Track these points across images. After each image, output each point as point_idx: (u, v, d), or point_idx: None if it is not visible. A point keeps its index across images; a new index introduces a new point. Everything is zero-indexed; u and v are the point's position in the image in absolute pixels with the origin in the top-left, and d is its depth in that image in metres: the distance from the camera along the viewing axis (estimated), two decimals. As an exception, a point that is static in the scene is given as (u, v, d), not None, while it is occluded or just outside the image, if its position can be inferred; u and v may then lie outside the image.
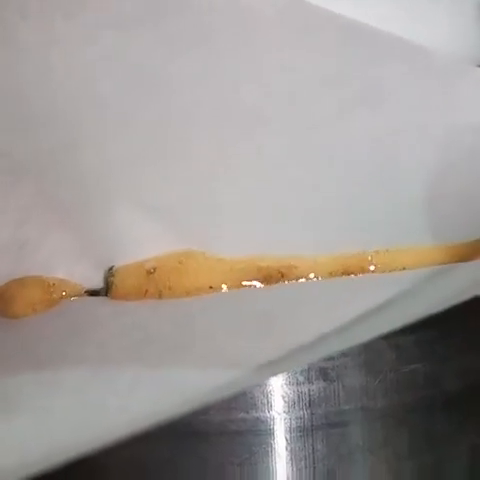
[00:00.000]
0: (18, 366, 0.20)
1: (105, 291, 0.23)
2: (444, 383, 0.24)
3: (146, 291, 0.22)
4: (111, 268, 0.23)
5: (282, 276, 0.22)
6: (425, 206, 0.20)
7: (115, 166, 0.21)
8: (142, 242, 0.22)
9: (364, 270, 0.22)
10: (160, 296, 0.22)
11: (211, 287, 0.22)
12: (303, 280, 0.22)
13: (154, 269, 0.22)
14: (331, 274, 0.22)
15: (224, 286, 0.22)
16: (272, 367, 0.17)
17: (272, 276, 0.22)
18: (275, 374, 0.20)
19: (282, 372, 0.19)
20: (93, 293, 0.23)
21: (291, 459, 0.22)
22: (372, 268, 0.22)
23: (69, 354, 0.21)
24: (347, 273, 0.22)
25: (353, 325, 0.17)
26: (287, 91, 0.19)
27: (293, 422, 0.22)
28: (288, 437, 0.22)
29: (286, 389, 0.21)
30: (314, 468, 0.22)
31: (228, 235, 0.22)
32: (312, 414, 0.22)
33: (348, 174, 0.20)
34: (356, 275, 0.22)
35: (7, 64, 0.19)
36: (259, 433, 0.22)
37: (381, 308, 0.18)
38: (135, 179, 0.21)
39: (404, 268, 0.22)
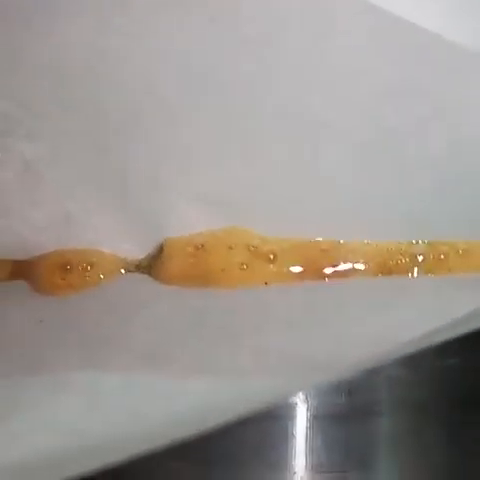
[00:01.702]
0: (65, 345, 0.21)
1: (151, 268, 0.23)
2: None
3: (193, 273, 0.22)
4: (160, 246, 0.23)
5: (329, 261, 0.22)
6: None
7: (164, 152, 0.21)
8: (190, 223, 0.22)
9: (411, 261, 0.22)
10: (208, 280, 0.22)
11: (265, 283, 0.22)
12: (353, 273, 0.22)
13: (202, 245, 0.22)
14: (380, 264, 0.22)
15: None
16: (320, 372, 0.17)
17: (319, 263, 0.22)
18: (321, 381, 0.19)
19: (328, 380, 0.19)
20: (139, 269, 0.23)
21: (326, 443, 0.22)
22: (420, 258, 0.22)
23: (115, 334, 0.21)
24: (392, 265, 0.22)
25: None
26: (353, 100, 0.19)
27: (331, 408, 0.22)
28: (326, 422, 0.22)
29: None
30: (347, 454, 0.22)
31: (277, 220, 0.22)
32: (350, 401, 0.22)
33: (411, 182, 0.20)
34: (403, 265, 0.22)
35: (56, 47, 0.19)
36: (297, 417, 0.22)
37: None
38: (185, 167, 0.21)
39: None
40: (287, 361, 0.18)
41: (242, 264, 0.22)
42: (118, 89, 0.20)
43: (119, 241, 0.23)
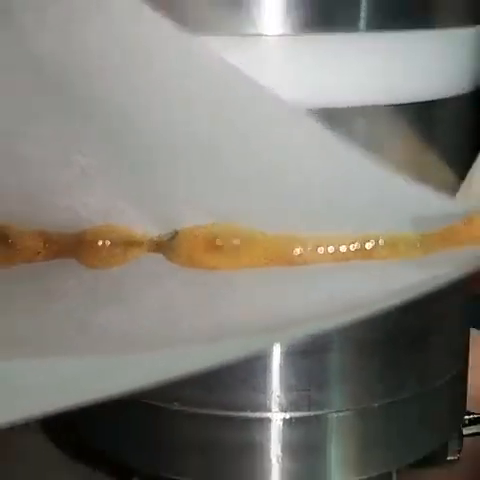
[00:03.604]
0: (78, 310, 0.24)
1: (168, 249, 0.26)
2: (417, 317, 0.30)
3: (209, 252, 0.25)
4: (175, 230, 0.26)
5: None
6: None
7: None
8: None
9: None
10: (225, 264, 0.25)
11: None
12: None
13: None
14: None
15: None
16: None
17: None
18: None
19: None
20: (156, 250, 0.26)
21: (295, 371, 0.29)
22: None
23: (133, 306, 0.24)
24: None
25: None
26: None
27: (297, 346, 0.28)
28: (294, 356, 0.28)
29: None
30: (310, 378, 0.29)
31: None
32: (312, 340, 0.27)
33: None
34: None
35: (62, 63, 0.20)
36: (272, 353, 0.28)
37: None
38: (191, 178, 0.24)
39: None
40: (257, 316, 0.23)
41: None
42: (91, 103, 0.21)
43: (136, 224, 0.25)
